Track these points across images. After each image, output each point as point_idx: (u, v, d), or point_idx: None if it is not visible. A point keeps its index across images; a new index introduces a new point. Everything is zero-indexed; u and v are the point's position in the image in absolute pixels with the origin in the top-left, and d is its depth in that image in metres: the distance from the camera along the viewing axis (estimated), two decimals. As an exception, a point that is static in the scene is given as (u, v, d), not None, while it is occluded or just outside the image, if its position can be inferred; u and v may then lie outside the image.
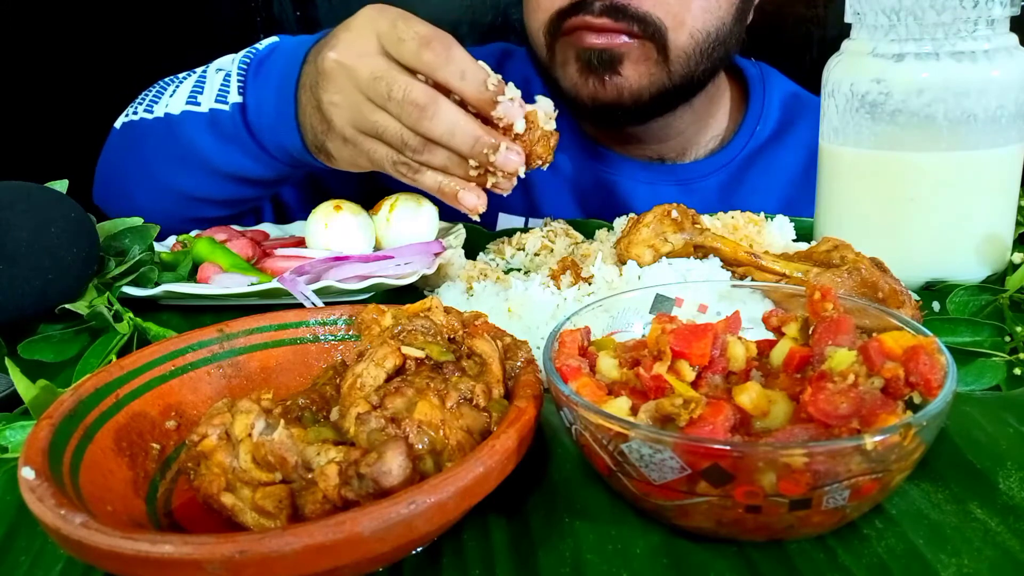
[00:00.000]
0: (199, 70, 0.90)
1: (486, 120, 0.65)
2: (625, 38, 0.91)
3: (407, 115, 0.65)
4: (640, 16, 0.90)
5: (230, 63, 0.87)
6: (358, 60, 0.67)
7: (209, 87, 0.85)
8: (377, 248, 0.78)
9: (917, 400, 0.37)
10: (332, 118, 0.70)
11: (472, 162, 0.65)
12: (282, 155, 0.81)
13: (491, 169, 0.65)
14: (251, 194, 0.90)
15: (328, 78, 0.69)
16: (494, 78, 0.65)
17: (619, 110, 0.97)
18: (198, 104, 0.85)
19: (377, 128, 0.67)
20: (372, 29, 0.67)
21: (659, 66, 0.94)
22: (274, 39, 0.86)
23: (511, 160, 0.65)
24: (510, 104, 0.64)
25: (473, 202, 0.67)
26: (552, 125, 0.66)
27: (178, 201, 0.89)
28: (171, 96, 0.88)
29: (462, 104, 0.65)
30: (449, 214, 0.86)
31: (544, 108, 0.66)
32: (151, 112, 0.89)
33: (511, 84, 0.65)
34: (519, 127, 0.64)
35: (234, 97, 0.82)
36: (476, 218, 0.68)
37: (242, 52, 0.86)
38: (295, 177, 0.89)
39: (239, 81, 0.83)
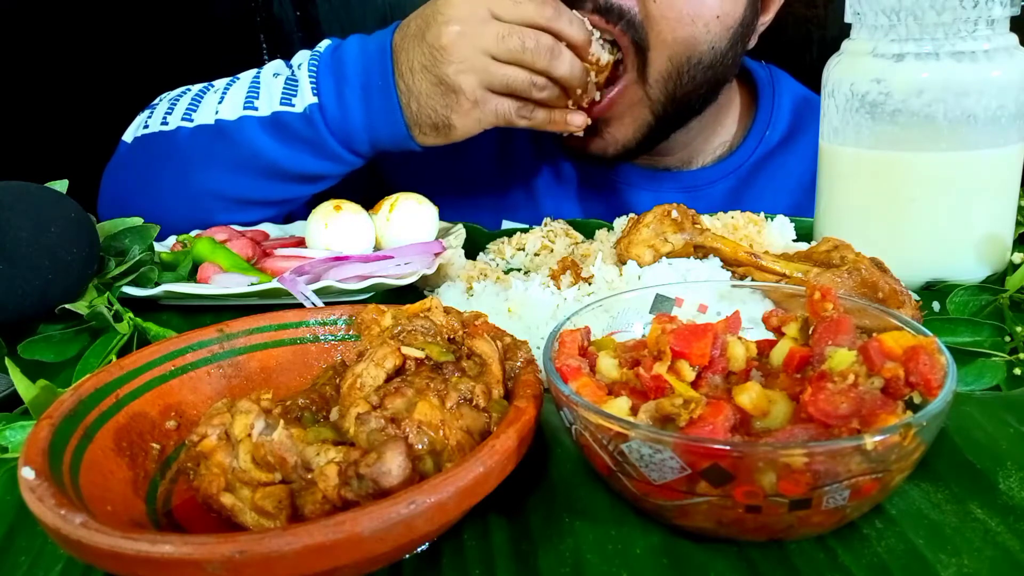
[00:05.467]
0: (244, 76, 0.91)
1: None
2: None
3: (541, 58, 0.78)
4: (634, 25, 0.87)
5: (285, 68, 0.89)
6: (481, 26, 0.77)
7: (266, 91, 0.87)
8: (377, 248, 0.78)
9: (917, 400, 0.37)
10: (462, 85, 0.79)
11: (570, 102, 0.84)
12: (368, 150, 0.85)
13: (580, 99, 0.85)
14: (309, 192, 0.92)
15: (450, 50, 0.77)
16: (587, 23, 0.83)
17: (605, 160, 0.99)
18: (255, 109, 0.86)
19: (507, 80, 0.79)
20: (479, 0, 0.77)
21: (640, 104, 0.92)
22: (327, 42, 0.89)
23: (592, 88, 0.86)
24: (597, 45, 0.84)
25: (581, 119, 0.86)
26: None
27: (221, 207, 0.89)
28: (219, 103, 0.88)
29: None
30: (450, 214, 0.86)
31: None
32: (191, 120, 0.89)
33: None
34: (604, 59, 0.85)
35: (307, 99, 0.84)
36: (580, 133, 0.87)
37: (304, 55, 0.89)
38: (345, 181, 0.92)
39: (311, 82, 0.84)
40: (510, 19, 0.78)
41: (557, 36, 0.79)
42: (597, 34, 0.84)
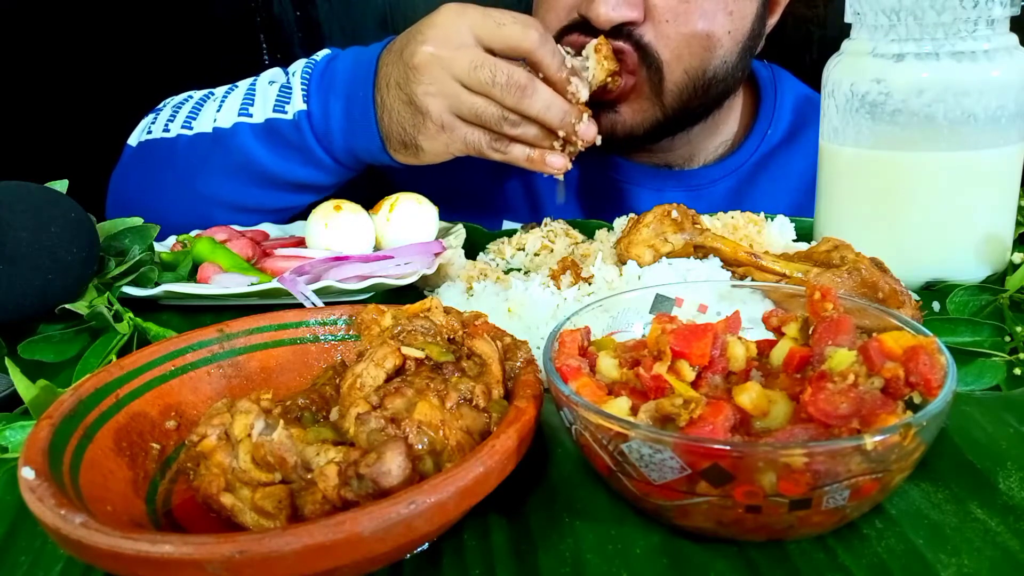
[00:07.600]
0: (242, 84, 0.91)
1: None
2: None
3: (511, 96, 0.74)
4: (641, 45, 0.88)
5: (282, 75, 0.89)
6: (455, 52, 0.74)
7: (261, 98, 0.87)
8: (377, 248, 0.78)
9: (917, 400, 0.37)
10: (429, 108, 0.76)
11: (556, 143, 0.78)
12: (349, 160, 0.83)
13: (571, 140, 0.78)
14: (303, 201, 0.91)
15: (421, 71, 0.75)
16: (568, 60, 0.78)
17: (611, 141, 0.96)
18: (250, 116, 0.86)
19: (476, 111, 0.75)
20: (462, 22, 0.74)
21: (652, 102, 0.93)
22: (326, 51, 0.89)
23: (591, 130, 0.78)
24: (579, 80, 0.78)
25: (561, 163, 0.79)
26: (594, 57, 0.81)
27: (223, 213, 0.89)
28: (217, 111, 0.89)
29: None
30: (450, 214, 0.86)
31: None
32: (190, 128, 0.90)
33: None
34: (584, 96, 0.78)
35: (297, 106, 0.83)
36: (561, 177, 0.81)
37: (300, 63, 0.88)
38: (346, 182, 0.91)
39: (303, 89, 0.84)
40: (492, 41, 0.74)
41: (538, 65, 0.75)
42: (590, 59, 0.80)
